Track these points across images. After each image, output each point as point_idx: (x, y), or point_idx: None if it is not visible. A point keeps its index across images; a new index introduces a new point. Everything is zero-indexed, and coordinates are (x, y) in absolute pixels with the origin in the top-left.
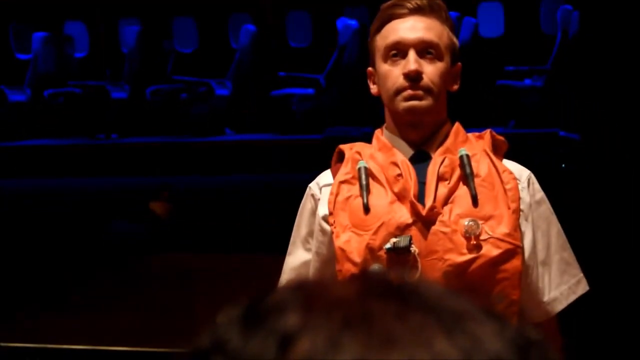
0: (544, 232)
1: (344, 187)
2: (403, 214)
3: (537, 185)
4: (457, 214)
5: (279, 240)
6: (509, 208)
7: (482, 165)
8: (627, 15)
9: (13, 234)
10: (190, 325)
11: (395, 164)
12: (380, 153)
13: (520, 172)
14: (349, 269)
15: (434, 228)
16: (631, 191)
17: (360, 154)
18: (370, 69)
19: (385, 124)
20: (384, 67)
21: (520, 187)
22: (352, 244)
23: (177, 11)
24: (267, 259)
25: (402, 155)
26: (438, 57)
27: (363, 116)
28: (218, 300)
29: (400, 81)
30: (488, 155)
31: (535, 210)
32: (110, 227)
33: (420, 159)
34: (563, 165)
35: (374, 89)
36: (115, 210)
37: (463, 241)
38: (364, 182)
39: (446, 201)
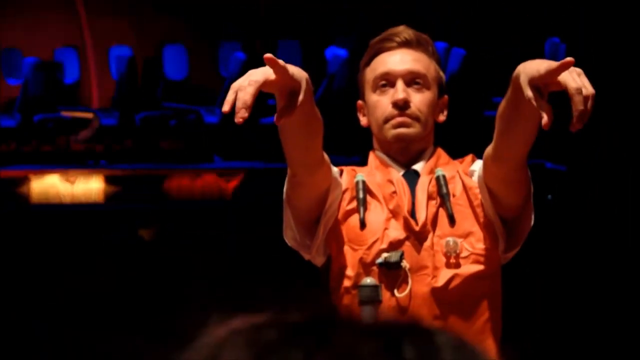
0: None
1: (346, 196)
2: (397, 230)
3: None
4: (437, 235)
5: (268, 267)
6: (480, 223)
7: (457, 185)
8: (614, 48)
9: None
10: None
11: (391, 182)
12: (378, 170)
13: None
14: (342, 282)
15: (425, 244)
16: (617, 223)
17: (355, 171)
18: (359, 102)
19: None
20: (373, 98)
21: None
22: (347, 258)
23: (168, 39)
24: (254, 287)
25: (397, 173)
26: (425, 87)
27: (352, 145)
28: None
29: (389, 110)
30: (460, 175)
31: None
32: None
33: (409, 178)
34: (549, 196)
35: (363, 120)
36: (104, 236)
37: (444, 260)
38: (360, 196)
39: (435, 219)
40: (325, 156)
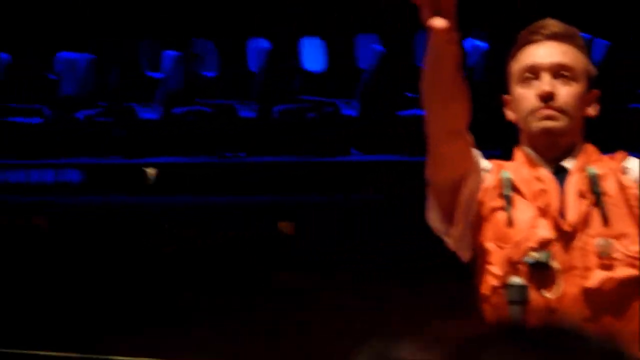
0: None
1: (491, 193)
2: (545, 229)
3: None
4: (589, 234)
5: (406, 263)
6: (636, 225)
7: (611, 184)
8: None
9: (139, 250)
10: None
11: (539, 179)
12: (525, 167)
13: None
14: (488, 280)
15: (574, 244)
16: None
17: (502, 166)
18: (506, 96)
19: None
20: (518, 91)
21: None
22: (493, 256)
23: (304, 31)
24: (391, 281)
25: (546, 171)
26: (573, 79)
27: (492, 138)
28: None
29: (534, 102)
30: (615, 174)
31: None
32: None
33: (558, 176)
34: None
35: (510, 115)
36: (243, 228)
37: (597, 260)
38: (507, 193)
39: (586, 218)
40: (469, 136)
